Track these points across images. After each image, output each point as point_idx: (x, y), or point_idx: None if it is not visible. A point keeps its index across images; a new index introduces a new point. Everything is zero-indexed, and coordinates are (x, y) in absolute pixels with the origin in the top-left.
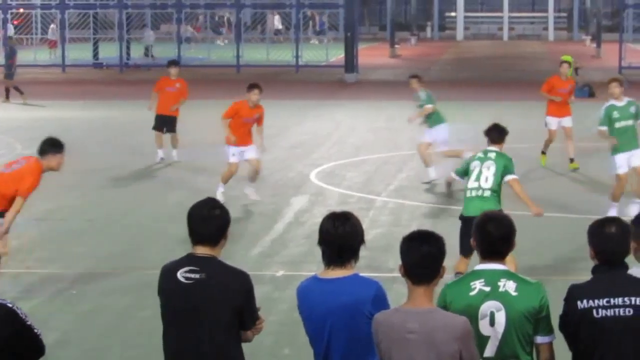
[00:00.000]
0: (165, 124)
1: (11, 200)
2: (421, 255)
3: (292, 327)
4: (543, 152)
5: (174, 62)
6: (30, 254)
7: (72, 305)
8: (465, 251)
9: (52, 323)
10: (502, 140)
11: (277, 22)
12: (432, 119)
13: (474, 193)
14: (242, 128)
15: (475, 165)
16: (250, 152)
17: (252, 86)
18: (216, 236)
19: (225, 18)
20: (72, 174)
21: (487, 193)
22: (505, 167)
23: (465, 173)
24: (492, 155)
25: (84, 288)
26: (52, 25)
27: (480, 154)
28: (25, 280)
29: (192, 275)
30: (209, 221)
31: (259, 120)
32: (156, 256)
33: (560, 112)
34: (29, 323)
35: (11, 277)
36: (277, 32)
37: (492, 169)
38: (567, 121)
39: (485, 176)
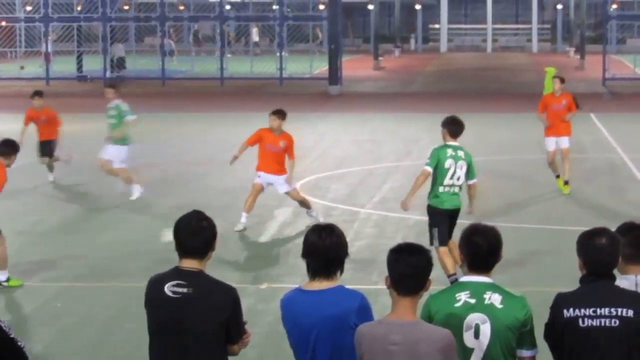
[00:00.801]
0: (45, 148)
1: None
2: (410, 267)
3: (276, 340)
4: (557, 176)
5: (36, 93)
6: (15, 267)
7: (56, 318)
8: (444, 240)
9: (37, 336)
10: (461, 135)
11: (255, 34)
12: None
13: (447, 189)
14: (270, 156)
15: (450, 164)
16: (280, 185)
17: (272, 112)
18: (204, 249)
19: (193, 31)
20: (54, 188)
21: (457, 189)
22: (470, 166)
23: (434, 166)
24: (462, 154)
25: (68, 301)
26: (49, 38)
27: (451, 152)
28: (8, 293)
29: (179, 290)
30: (196, 234)
31: (289, 151)
32: (139, 269)
33: (557, 131)
34: (12, 336)
35: None
36: (255, 44)
37: (464, 168)
38: (563, 141)
39: (458, 175)
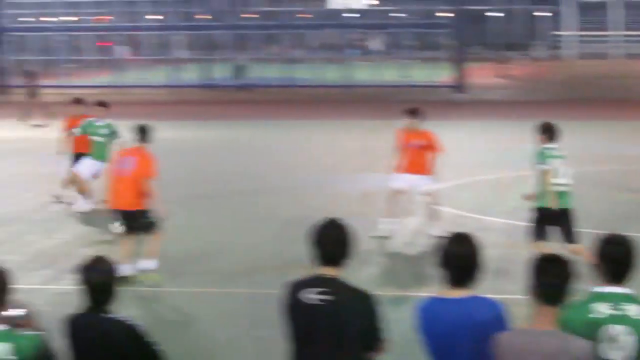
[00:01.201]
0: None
1: (143, 193)
2: (556, 277)
3: (409, 348)
4: None
5: (76, 101)
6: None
7: (188, 324)
8: (539, 237)
9: (169, 341)
10: (558, 138)
11: (377, 42)
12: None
13: (562, 188)
14: (408, 156)
15: (556, 163)
16: (419, 185)
17: (404, 110)
18: (342, 256)
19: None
20: (185, 194)
21: (566, 188)
22: None
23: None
24: (565, 154)
25: (200, 308)
26: (177, 46)
27: (556, 152)
28: (144, 297)
29: (320, 296)
30: (336, 242)
31: (431, 147)
32: (269, 276)
33: None
34: (148, 339)
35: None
36: (377, 52)
37: (569, 168)
38: None
39: (565, 174)
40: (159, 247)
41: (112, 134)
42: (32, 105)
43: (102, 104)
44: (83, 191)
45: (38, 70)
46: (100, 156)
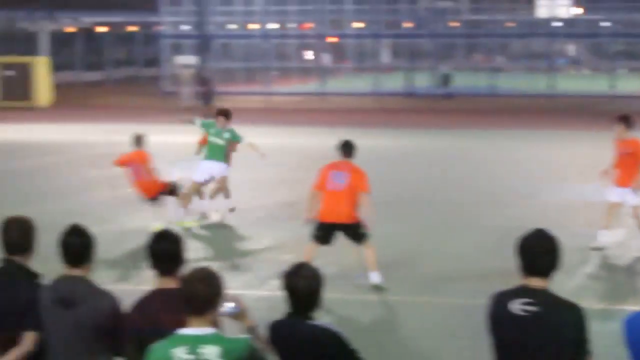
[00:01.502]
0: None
1: (356, 206)
2: None
3: None
4: None
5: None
6: (345, 280)
7: (388, 334)
8: None
9: (371, 350)
10: None
11: (584, 51)
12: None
13: None
14: (620, 164)
15: None
16: (631, 196)
17: (615, 118)
18: (550, 267)
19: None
20: (386, 201)
21: None
22: None
23: None
24: None
25: (402, 316)
26: (381, 54)
27: None
28: (344, 305)
29: (528, 308)
30: (544, 253)
31: (636, 157)
32: (474, 287)
33: None
34: (351, 347)
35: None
36: (583, 61)
37: None
38: None
39: None
40: (376, 258)
41: (234, 138)
42: (206, 111)
43: (224, 113)
44: (199, 196)
45: (212, 76)
46: (219, 157)
